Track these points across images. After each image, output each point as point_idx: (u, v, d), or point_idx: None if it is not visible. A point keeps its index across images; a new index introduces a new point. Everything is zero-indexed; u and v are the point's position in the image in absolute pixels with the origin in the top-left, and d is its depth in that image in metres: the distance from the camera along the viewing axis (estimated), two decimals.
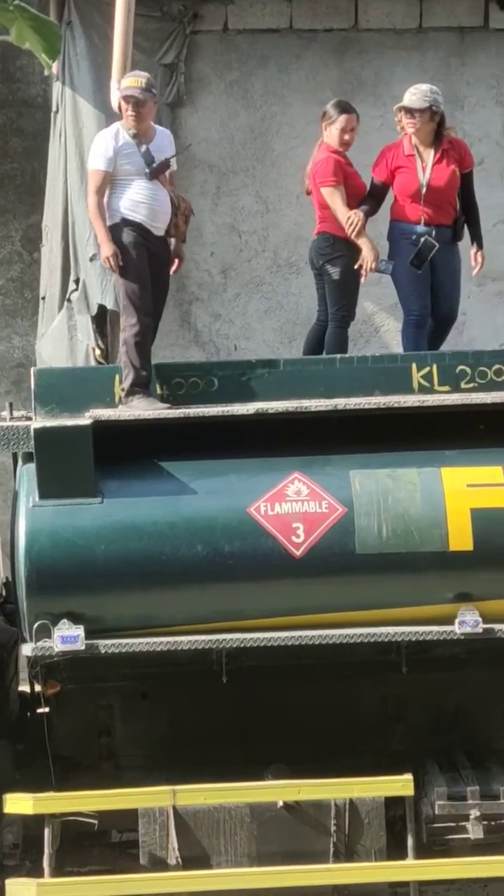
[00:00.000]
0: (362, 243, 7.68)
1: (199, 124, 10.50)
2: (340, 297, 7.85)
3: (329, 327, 7.94)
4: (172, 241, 7.38)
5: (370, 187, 7.87)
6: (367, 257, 7.65)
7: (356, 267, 7.72)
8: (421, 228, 7.83)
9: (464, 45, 10.60)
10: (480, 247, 8.04)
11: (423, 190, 7.77)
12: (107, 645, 6.31)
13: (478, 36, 10.58)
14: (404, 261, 7.71)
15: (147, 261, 7.09)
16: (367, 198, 7.86)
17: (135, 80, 7.27)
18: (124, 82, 7.32)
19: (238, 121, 10.51)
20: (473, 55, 10.57)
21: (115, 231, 7.05)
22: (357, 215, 7.67)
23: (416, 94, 7.79)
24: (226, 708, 6.73)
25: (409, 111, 7.78)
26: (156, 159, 7.20)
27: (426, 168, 7.84)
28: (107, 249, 7.01)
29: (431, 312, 7.87)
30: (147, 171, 7.15)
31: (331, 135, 7.84)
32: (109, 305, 9.16)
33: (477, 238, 8.06)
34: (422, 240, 7.72)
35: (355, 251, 7.75)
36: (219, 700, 6.67)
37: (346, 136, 7.84)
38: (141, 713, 6.90)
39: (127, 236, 7.04)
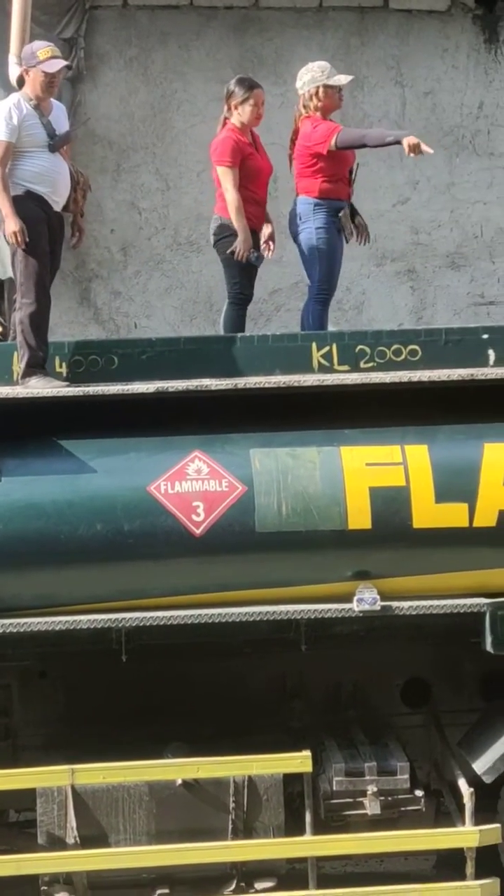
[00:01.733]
0: (239, 230, 7.67)
1: (99, 100, 10.43)
2: (235, 275, 7.84)
3: (226, 305, 7.93)
4: (67, 216, 7.30)
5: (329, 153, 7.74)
6: (240, 247, 7.66)
7: (228, 252, 7.71)
8: (343, 203, 7.88)
9: (364, 25, 10.63)
10: None
11: (355, 166, 7.85)
12: (5, 624, 6.27)
13: (378, 16, 10.61)
14: (331, 239, 7.71)
15: (47, 237, 7.02)
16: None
17: (52, 51, 7.18)
18: (42, 53, 7.19)
19: (138, 97, 10.45)
20: (373, 35, 10.61)
21: (18, 204, 6.95)
22: (238, 200, 7.64)
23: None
24: (125, 687, 6.72)
25: (339, 88, 7.84)
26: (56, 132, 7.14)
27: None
28: (14, 224, 6.89)
29: None
30: (49, 143, 7.08)
31: (242, 113, 7.80)
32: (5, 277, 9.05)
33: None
34: (339, 214, 7.77)
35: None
36: (118, 679, 6.66)
37: (260, 112, 7.83)
38: (40, 693, 6.86)
39: (30, 210, 6.95)
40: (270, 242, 8.02)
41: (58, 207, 7.15)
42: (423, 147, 7.58)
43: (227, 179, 7.70)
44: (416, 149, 7.60)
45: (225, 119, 7.90)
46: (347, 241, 7.91)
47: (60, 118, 7.31)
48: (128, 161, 10.45)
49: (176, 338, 6.99)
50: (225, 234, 7.79)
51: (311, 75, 7.88)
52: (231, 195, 7.67)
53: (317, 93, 7.83)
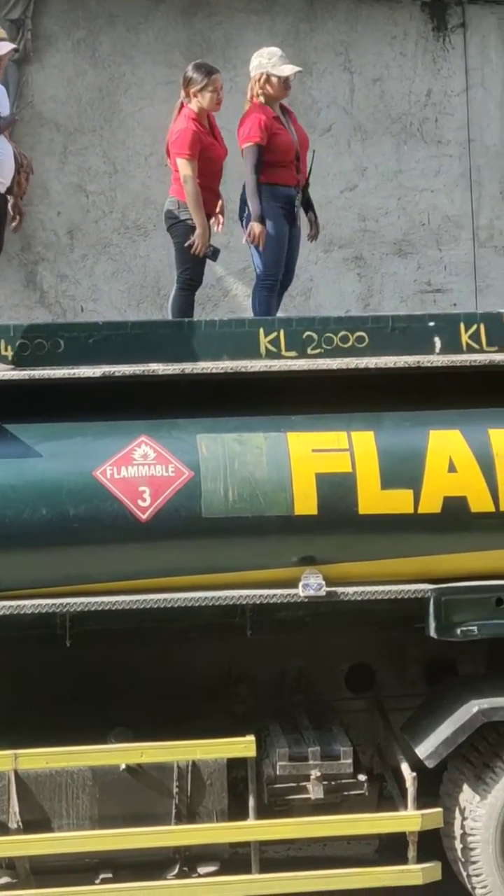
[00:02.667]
0: (198, 224, 7.66)
1: (46, 82, 10.38)
2: (185, 260, 7.83)
3: (174, 290, 7.92)
4: (10, 198, 7.27)
5: (258, 153, 7.74)
6: (198, 241, 7.65)
7: (186, 245, 7.70)
8: (294, 191, 7.88)
9: (313, 11, 10.64)
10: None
11: (311, 153, 7.87)
12: None
13: (327, 2, 10.63)
14: (277, 225, 7.72)
15: None
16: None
17: (2, 32, 7.15)
18: None
19: (86, 80, 10.41)
20: (322, 21, 10.62)
21: None
22: (197, 193, 7.63)
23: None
24: (70, 672, 6.70)
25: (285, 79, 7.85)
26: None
27: (291, 130, 7.91)
28: None
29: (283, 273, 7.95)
30: None
31: (203, 99, 7.77)
32: None
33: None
34: (296, 202, 7.79)
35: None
36: (63, 664, 6.64)
37: (220, 97, 7.82)
38: None
39: None
40: (220, 216, 8.02)
41: (1, 189, 7.11)
42: (258, 240, 7.65)
43: (186, 172, 7.69)
44: (254, 238, 7.65)
45: (182, 104, 7.87)
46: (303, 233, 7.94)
47: (2, 101, 7.27)
48: (75, 144, 10.41)
49: (123, 322, 6.94)
50: (179, 220, 7.78)
51: (258, 61, 7.87)
52: (190, 188, 7.66)
53: (260, 79, 7.83)
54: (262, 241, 7.71)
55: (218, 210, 8.01)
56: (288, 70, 7.86)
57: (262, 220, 7.70)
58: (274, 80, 7.82)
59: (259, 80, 7.83)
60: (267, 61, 7.83)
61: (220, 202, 8.02)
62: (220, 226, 8.05)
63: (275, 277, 7.86)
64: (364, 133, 10.69)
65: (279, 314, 8.09)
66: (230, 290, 10.28)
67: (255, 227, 7.71)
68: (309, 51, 10.42)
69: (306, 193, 8.05)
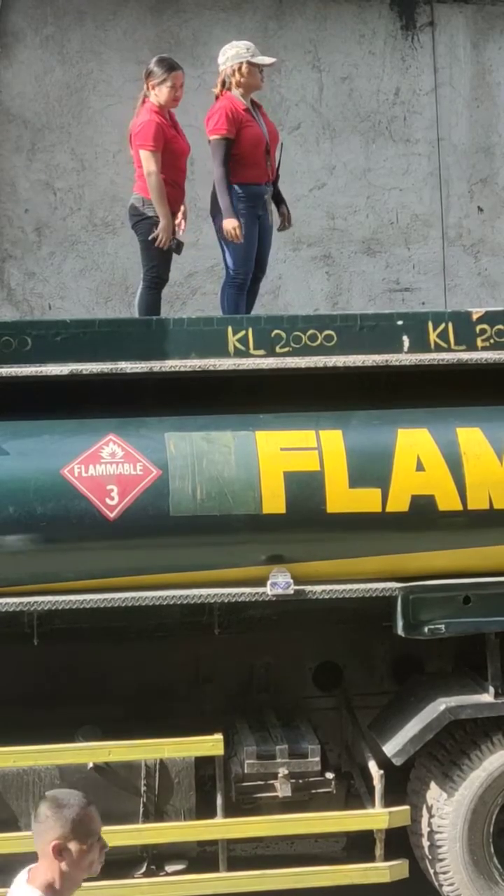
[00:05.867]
0: (162, 217, 7.63)
1: (14, 78, 10.33)
2: (151, 257, 7.81)
3: (140, 288, 7.90)
4: None
5: (226, 147, 7.71)
6: (161, 234, 7.64)
7: (150, 239, 7.68)
8: (264, 188, 7.87)
9: (281, 9, 10.64)
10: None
11: (279, 147, 7.88)
12: None
13: (295, 0, 10.62)
14: (246, 224, 7.70)
15: None
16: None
17: None
18: None
19: (54, 76, 10.38)
20: (291, 19, 10.62)
21: None
22: (161, 185, 7.61)
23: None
24: (37, 670, 6.69)
25: (261, 69, 7.85)
26: None
27: (261, 123, 7.90)
28: None
29: (256, 267, 7.95)
30: None
31: (160, 94, 7.76)
32: None
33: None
34: (265, 198, 7.78)
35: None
36: (30, 662, 6.62)
37: (178, 94, 7.79)
38: None
39: None
40: (183, 221, 8.01)
41: None
42: (233, 236, 7.61)
43: (149, 164, 7.65)
44: (228, 234, 7.64)
45: (144, 97, 7.85)
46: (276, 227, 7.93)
47: None
48: (43, 140, 10.37)
49: (91, 319, 6.91)
50: (144, 216, 7.76)
51: (235, 51, 7.85)
52: (154, 180, 7.63)
53: (240, 68, 7.81)
54: (239, 236, 7.67)
55: (182, 212, 7.98)
56: (267, 60, 7.91)
57: (235, 215, 7.67)
58: (252, 69, 7.82)
59: (239, 69, 7.81)
60: (245, 51, 7.84)
61: (184, 205, 7.99)
62: (183, 228, 8.02)
63: (244, 276, 7.85)
64: (333, 131, 10.70)
65: (256, 309, 8.10)
66: (198, 288, 10.27)
67: (229, 223, 7.67)
68: (278, 49, 10.41)
69: (276, 188, 8.04)
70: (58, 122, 10.36)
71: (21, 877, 4.21)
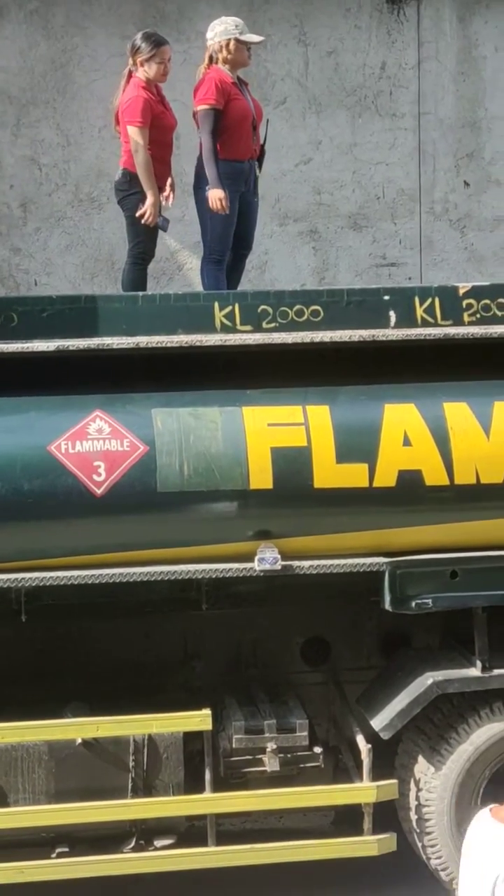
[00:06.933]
0: (149, 194, 7.62)
1: None
2: (137, 233, 7.79)
3: (126, 264, 7.88)
4: None
5: (214, 118, 7.69)
6: (149, 210, 7.62)
7: (137, 215, 7.66)
8: (248, 164, 7.86)
9: None
10: None
11: (265, 122, 7.87)
12: None
13: None
14: (228, 200, 7.68)
15: None
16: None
17: None
18: None
19: (38, 51, 10.32)
20: None
21: None
22: (148, 162, 7.59)
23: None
24: (26, 647, 6.69)
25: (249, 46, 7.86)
26: None
27: (248, 98, 7.91)
28: None
29: (237, 246, 7.93)
30: None
31: (148, 70, 7.74)
32: None
33: None
34: (249, 174, 7.79)
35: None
36: (18, 639, 6.63)
37: (166, 69, 7.78)
38: None
39: None
40: (171, 194, 7.99)
41: None
42: (219, 207, 7.59)
43: (137, 140, 7.64)
44: (214, 204, 7.59)
45: (130, 72, 7.83)
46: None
47: None
48: (28, 116, 10.32)
49: (77, 296, 6.90)
50: (131, 191, 7.74)
51: (224, 27, 7.85)
52: (141, 157, 7.62)
53: (227, 45, 7.81)
54: (224, 207, 7.65)
55: (169, 185, 7.97)
56: (256, 38, 7.92)
57: (221, 186, 7.65)
58: (240, 46, 7.83)
59: (227, 45, 7.81)
60: (234, 28, 7.85)
61: (171, 178, 7.98)
62: (171, 201, 8.01)
63: (221, 252, 7.84)
64: (319, 106, 10.66)
65: (242, 285, 8.08)
66: (184, 264, 10.24)
67: (214, 193, 7.66)
68: (263, 23, 10.35)
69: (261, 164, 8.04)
70: (43, 97, 10.30)
71: (483, 813, 4.30)
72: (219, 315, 6.64)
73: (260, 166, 8.02)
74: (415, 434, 6.40)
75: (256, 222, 8.14)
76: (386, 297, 6.72)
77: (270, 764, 6.49)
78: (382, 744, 6.60)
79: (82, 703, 6.52)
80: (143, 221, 7.64)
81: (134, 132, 7.64)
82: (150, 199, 7.60)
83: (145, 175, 7.59)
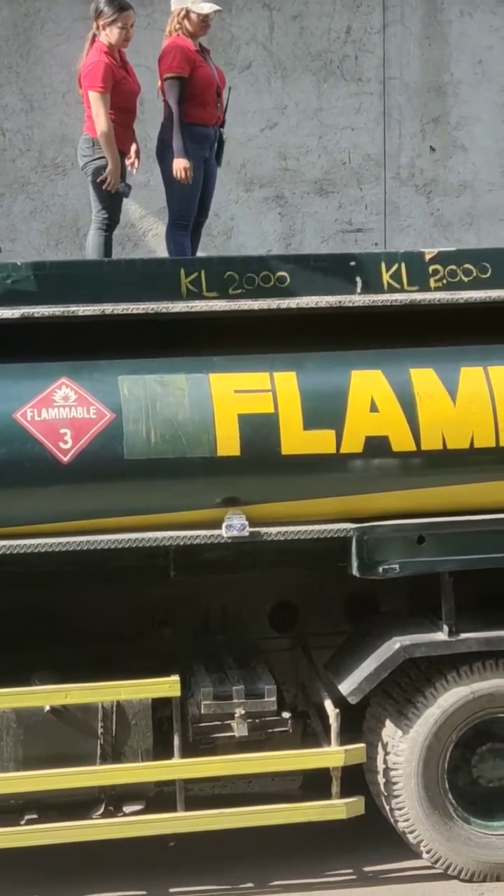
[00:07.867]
0: (110, 160, 7.58)
1: None
2: (101, 199, 7.75)
3: (91, 230, 7.85)
4: None
5: (181, 87, 7.67)
6: (110, 177, 7.58)
7: (98, 181, 7.63)
8: (212, 130, 7.83)
9: None
10: None
11: (228, 90, 7.84)
12: None
13: None
14: (192, 166, 7.67)
15: None
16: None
17: None
18: None
19: (1, 15, 10.23)
20: None
21: None
22: (109, 128, 7.55)
23: None
24: None
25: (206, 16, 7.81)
26: None
27: (211, 66, 7.86)
28: None
29: (199, 211, 7.92)
30: None
31: (110, 34, 7.67)
32: None
33: None
34: (213, 140, 7.76)
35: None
36: None
37: (128, 34, 7.72)
38: None
39: None
40: (137, 160, 7.96)
41: None
42: (183, 177, 7.60)
43: (98, 105, 7.59)
44: (178, 174, 7.61)
45: (93, 36, 7.77)
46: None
47: None
48: None
49: (42, 262, 6.85)
50: (94, 157, 7.70)
51: None
52: (102, 122, 7.57)
53: (180, 14, 7.78)
54: (189, 177, 7.65)
55: (134, 151, 7.92)
56: (207, 8, 7.80)
57: (186, 155, 7.64)
58: (193, 16, 7.76)
59: (179, 14, 7.78)
60: None
61: (135, 144, 7.93)
62: (136, 167, 7.97)
63: (187, 218, 7.81)
64: (284, 70, 10.62)
65: (200, 253, 8.05)
66: (149, 230, 10.20)
67: (179, 162, 7.65)
68: None
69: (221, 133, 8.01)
70: (5, 61, 10.22)
71: None
72: (185, 281, 6.61)
73: (222, 134, 7.99)
74: (382, 400, 6.40)
75: (214, 190, 8.12)
76: (352, 263, 6.70)
77: (239, 729, 6.51)
78: (350, 708, 6.63)
79: (51, 671, 6.52)
80: (104, 187, 7.60)
81: (95, 98, 7.59)
82: (110, 167, 7.56)
83: (106, 142, 7.55)
